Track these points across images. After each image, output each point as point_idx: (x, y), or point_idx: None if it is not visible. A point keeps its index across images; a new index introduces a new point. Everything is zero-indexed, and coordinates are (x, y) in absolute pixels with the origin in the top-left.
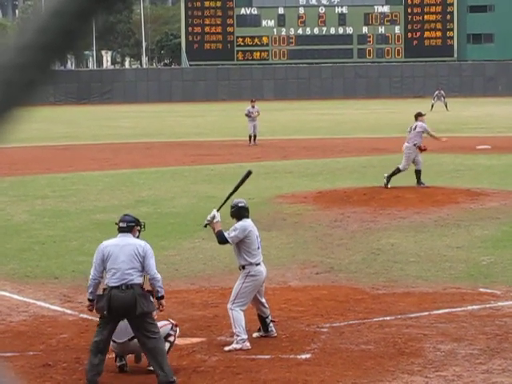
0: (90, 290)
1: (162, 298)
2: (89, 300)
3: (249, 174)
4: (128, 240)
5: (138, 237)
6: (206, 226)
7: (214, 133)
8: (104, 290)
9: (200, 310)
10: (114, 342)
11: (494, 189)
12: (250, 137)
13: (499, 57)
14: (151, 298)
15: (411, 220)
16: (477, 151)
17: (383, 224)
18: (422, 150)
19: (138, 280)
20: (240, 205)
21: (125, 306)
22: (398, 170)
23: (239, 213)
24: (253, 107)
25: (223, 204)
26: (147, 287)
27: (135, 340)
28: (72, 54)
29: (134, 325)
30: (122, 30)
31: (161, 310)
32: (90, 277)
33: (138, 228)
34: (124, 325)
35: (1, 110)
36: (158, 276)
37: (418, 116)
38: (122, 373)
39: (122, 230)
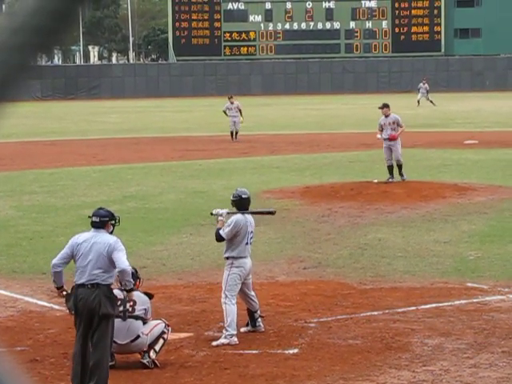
0: (52, 279)
1: (131, 290)
2: (56, 288)
3: (270, 213)
4: (99, 238)
5: (111, 232)
6: (211, 214)
7: (201, 128)
8: (72, 288)
9: (187, 305)
10: (115, 342)
11: (482, 183)
12: (231, 133)
13: (486, 51)
14: (118, 303)
15: (399, 215)
16: (464, 146)
17: (370, 219)
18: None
19: (106, 281)
20: (243, 196)
21: (88, 305)
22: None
23: (240, 204)
24: (231, 103)
25: (235, 213)
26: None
27: (138, 340)
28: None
29: (94, 327)
30: (108, 25)
31: (130, 301)
32: (51, 264)
33: (112, 222)
34: (126, 326)
35: None
36: (128, 269)
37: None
38: (111, 368)
39: (94, 225)
